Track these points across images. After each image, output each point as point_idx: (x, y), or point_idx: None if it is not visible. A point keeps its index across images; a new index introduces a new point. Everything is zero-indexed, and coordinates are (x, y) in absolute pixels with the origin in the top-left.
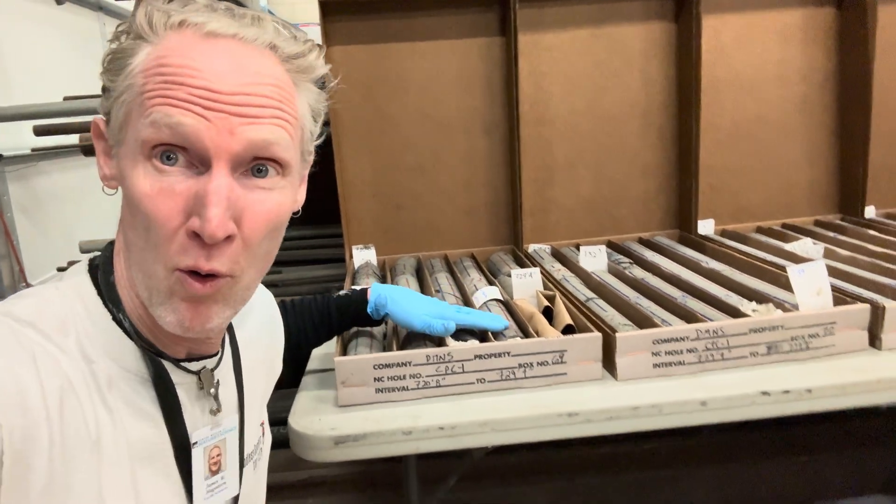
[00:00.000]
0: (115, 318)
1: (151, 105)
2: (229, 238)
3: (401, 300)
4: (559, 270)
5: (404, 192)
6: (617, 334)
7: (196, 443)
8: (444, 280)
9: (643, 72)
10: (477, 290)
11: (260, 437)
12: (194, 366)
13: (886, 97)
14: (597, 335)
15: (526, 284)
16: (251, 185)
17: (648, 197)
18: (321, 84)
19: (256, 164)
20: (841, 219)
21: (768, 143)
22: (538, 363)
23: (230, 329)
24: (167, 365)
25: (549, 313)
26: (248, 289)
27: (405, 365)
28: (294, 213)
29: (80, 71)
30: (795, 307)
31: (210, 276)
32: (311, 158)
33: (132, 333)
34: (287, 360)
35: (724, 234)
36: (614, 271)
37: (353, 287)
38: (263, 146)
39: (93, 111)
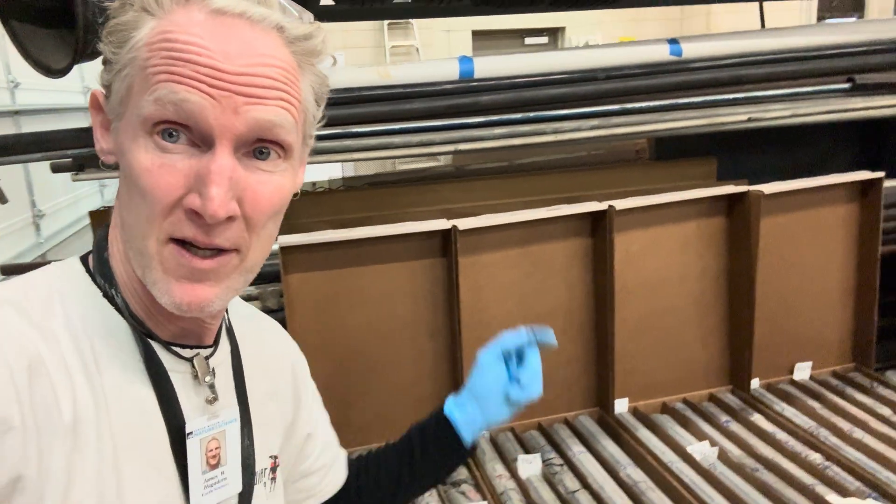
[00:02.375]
0: (106, 295)
1: (156, 81)
2: (230, 218)
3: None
4: (500, 477)
5: (355, 392)
6: None
7: (191, 433)
8: None
9: (566, 279)
10: None
11: (268, 469)
12: (187, 352)
13: (767, 288)
14: None
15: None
16: (253, 166)
17: (572, 381)
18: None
19: (259, 147)
20: (731, 391)
21: (671, 331)
22: None
23: (230, 330)
24: (159, 348)
25: None
26: (251, 270)
27: None
28: (294, 196)
29: None
30: None
31: (216, 253)
32: (311, 142)
33: (124, 310)
34: None
35: (635, 412)
36: (548, 478)
37: None
38: (268, 127)
39: None
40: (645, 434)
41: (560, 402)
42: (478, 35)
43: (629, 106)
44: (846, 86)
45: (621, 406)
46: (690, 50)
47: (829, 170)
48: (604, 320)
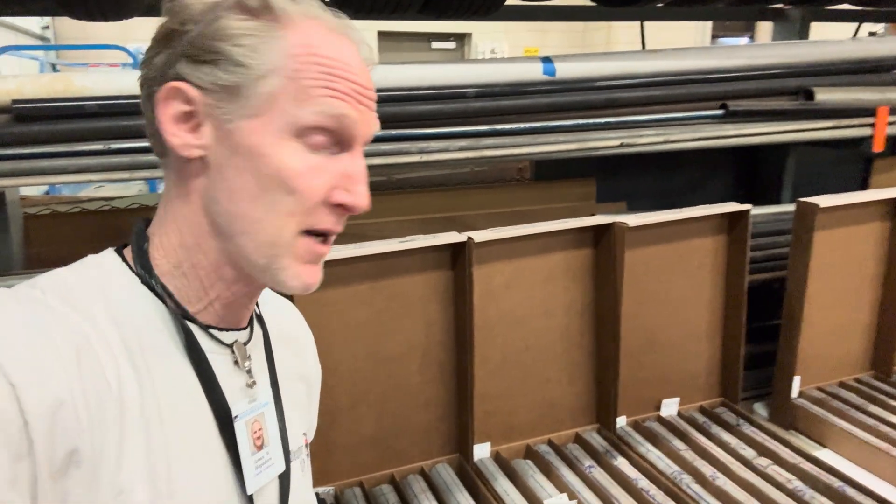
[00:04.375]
0: (146, 283)
1: (318, 95)
2: None
3: None
4: None
5: None
6: None
7: (237, 416)
8: None
9: (424, 316)
10: None
11: (302, 447)
12: (227, 337)
13: (633, 323)
14: None
15: None
16: None
17: (430, 427)
18: None
19: None
20: (598, 430)
21: (534, 368)
22: None
23: (259, 314)
24: (201, 334)
25: None
26: None
27: None
28: None
29: None
30: None
31: (326, 238)
32: None
33: (165, 297)
34: None
35: (497, 457)
36: None
37: None
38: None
39: None
40: (503, 486)
41: (416, 450)
42: (384, 36)
43: (499, 127)
44: (719, 112)
45: (482, 451)
46: (564, 70)
47: (705, 193)
48: (464, 359)
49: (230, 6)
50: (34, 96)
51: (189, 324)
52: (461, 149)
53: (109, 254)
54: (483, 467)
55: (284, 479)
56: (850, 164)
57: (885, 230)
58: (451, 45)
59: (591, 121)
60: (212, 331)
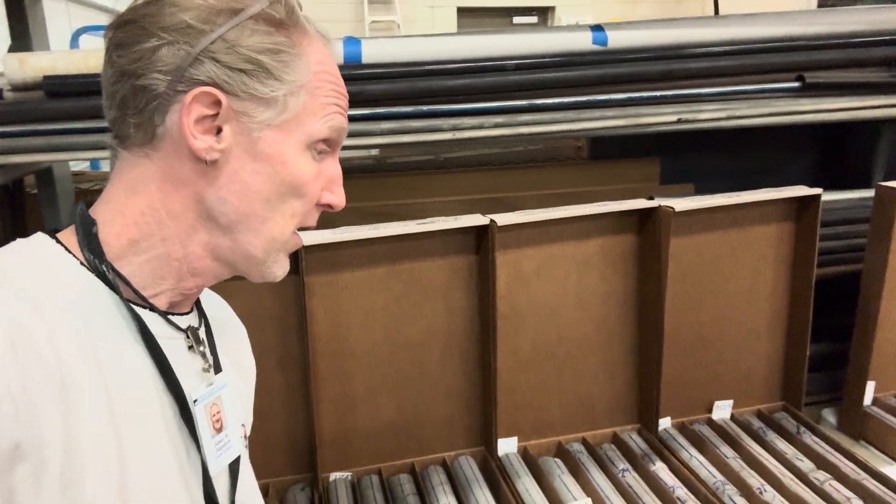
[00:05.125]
0: (94, 269)
1: (331, 112)
2: None
3: None
4: None
5: None
6: None
7: (196, 400)
8: None
9: (445, 302)
10: None
11: (244, 438)
12: (182, 322)
13: (682, 317)
14: None
15: None
16: None
17: (453, 417)
18: None
19: None
20: (638, 431)
21: (568, 362)
22: None
23: (197, 301)
24: (156, 318)
25: None
26: None
27: None
28: None
29: None
30: None
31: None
32: None
33: (115, 283)
34: None
35: (525, 453)
36: None
37: None
38: None
39: None
40: (526, 484)
41: (439, 440)
42: (463, 12)
43: (538, 102)
44: (795, 85)
45: (509, 446)
46: (617, 39)
47: (784, 176)
48: (488, 349)
49: (258, 15)
50: (67, 72)
51: (142, 309)
52: (497, 125)
53: (42, 237)
54: (508, 463)
55: (234, 465)
56: None
57: None
58: (532, 19)
59: (643, 94)
60: (169, 315)
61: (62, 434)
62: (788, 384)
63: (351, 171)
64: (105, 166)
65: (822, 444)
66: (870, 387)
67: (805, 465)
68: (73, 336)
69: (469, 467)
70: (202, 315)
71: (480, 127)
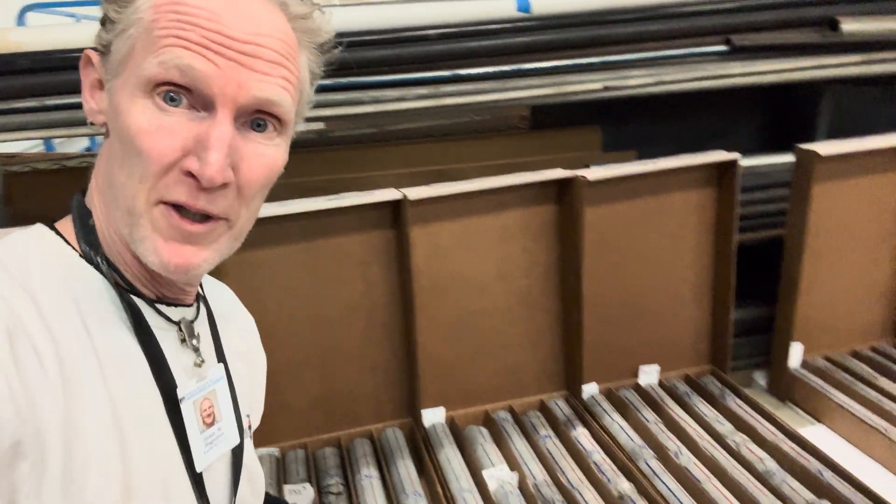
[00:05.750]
0: (90, 260)
1: (163, 45)
2: (224, 185)
3: None
4: None
5: None
6: None
7: (183, 398)
8: None
9: (364, 276)
10: None
11: (246, 428)
12: (174, 314)
13: (604, 285)
14: None
15: None
16: (250, 137)
17: (379, 390)
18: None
19: (257, 118)
20: (566, 398)
21: (493, 332)
22: None
23: (201, 293)
24: (146, 308)
25: None
26: (238, 238)
27: None
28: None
29: None
30: None
31: (206, 218)
32: (301, 122)
33: (108, 274)
34: None
35: (451, 423)
36: None
37: None
38: (268, 105)
39: None
40: (448, 453)
41: (366, 413)
42: None
43: (461, 72)
44: (723, 48)
45: (436, 416)
46: (541, 5)
47: (728, 140)
48: (409, 322)
49: None
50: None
51: (136, 299)
52: (420, 97)
53: (41, 228)
54: (434, 433)
55: (237, 453)
56: None
57: None
58: None
59: (569, 62)
60: (158, 306)
61: (63, 432)
62: (715, 349)
63: (292, 146)
64: (61, 148)
65: (745, 406)
66: (798, 349)
67: (724, 427)
68: (72, 331)
69: (395, 438)
70: (207, 307)
71: (402, 99)
